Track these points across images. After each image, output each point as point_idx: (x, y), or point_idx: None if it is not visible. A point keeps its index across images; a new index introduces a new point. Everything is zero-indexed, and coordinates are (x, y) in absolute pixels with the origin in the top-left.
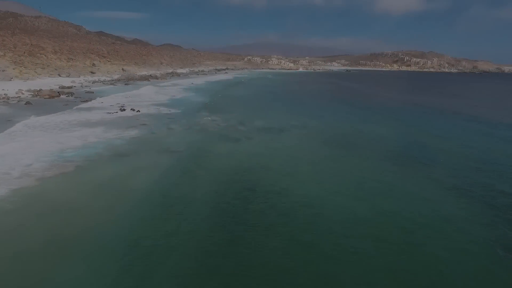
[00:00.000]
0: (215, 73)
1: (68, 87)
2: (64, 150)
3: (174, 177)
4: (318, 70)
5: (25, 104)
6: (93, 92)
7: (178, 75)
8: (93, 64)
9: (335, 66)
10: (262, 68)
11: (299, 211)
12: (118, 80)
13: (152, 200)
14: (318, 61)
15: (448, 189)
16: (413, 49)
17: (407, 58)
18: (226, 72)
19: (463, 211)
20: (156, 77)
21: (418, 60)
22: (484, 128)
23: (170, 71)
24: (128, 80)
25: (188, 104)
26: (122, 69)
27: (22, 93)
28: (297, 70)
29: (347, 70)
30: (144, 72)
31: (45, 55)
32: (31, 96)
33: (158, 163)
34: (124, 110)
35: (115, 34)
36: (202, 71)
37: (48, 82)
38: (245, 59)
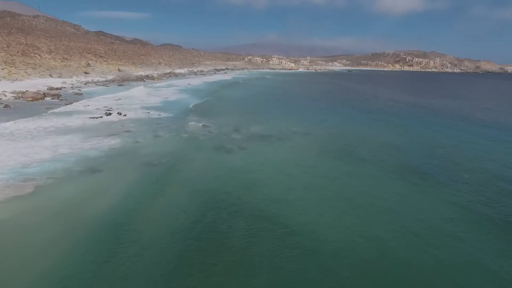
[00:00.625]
0: (214, 73)
1: (57, 89)
2: (27, 165)
3: (145, 201)
4: (320, 70)
5: (4, 107)
6: (81, 94)
7: (176, 75)
8: (88, 64)
9: (337, 66)
10: (263, 68)
11: (290, 253)
12: (113, 80)
13: (109, 235)
14: (319, 61)
15: (478, 220)
16: (414, 49)
17: (409, 58)
18: (225, 73)
19: (505, 259)
20: (152, 78)
21: (420, 60)
22: (502, 136)
23: (168, 71)
24: (123, 81)
25: (181, 107)
26: (118, 69)
27: (5, 95)
28: (297, 70)
29: (348, 70)
30: (141, 72)
31: (39, 55)
32: (14, 98)
33: (132, 182)
34: (110, 114)
35: (116, 34)
36: (201, 71)
37: (37, 83)
38: (246, 59)
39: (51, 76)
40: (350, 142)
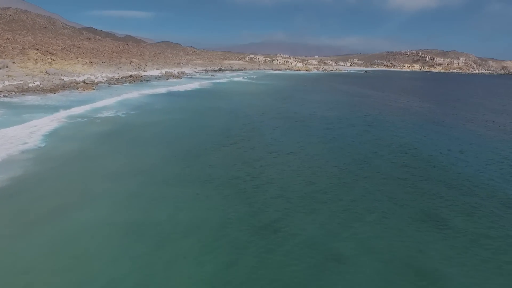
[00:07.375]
0: (199, 74)
1: None
2: None
3: None
4: (331, 71)
5: None
6: None
7: (134, 81)
8: None
9: (349, 66)
10: (265, 69)
11: None
12: (1, 91)
13: None
14: (329, 61)
15: None
16: (428, 47)
17: (429, 57)
18: (212, 75)
19: None
20: (76, 86)
21: (442, 59)
22: None
23: (133, 73)
24: (20, 92)
25: None
26: (46, 72)
27: None
28: (306, 71)
29: (366, 71)
30: (88, 75)
31: None
32: None
33: None
34: None
35: (120, 33)
36: (182, 73)
37: None
38: (246, 57)
39: None
40: None
